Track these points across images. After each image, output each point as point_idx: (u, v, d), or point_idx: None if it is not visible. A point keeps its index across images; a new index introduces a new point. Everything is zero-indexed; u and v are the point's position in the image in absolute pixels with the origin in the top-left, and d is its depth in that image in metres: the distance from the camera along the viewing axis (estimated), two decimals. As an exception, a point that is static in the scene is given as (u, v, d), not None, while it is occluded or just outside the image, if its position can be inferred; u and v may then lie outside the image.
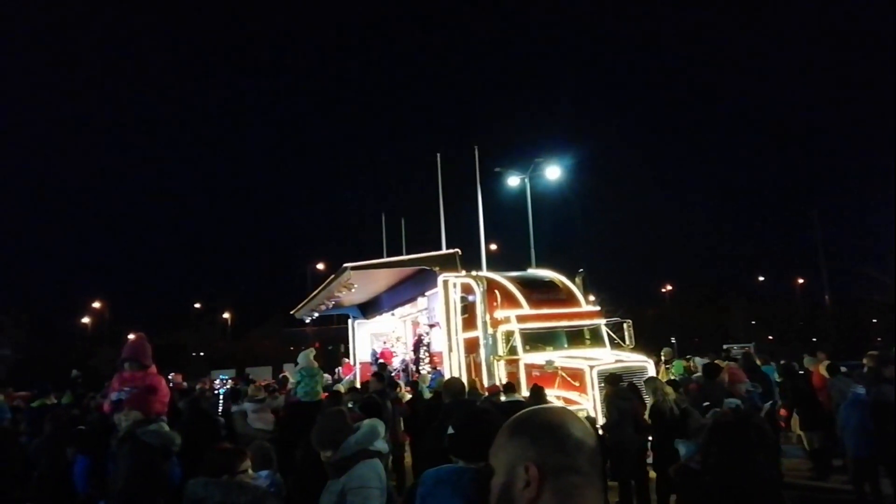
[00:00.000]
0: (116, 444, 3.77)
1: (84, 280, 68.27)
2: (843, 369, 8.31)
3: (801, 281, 40.74)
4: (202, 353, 36.68)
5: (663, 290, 43.25)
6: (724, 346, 18.73)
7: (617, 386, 6.84)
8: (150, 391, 4.25)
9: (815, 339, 25.99)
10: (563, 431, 1.27)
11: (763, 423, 4.87)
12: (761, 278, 41.98)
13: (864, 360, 7.81)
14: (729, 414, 4.54)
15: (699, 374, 7.90)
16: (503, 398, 7.12)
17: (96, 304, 39.39)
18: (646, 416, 6.17)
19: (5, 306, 31.03)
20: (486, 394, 7.54)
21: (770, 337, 31.51)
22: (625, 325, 10.42)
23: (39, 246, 72.88)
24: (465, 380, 10.33)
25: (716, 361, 9.61)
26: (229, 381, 12.29)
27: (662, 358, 10.62)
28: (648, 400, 6.36)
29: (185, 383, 12.54)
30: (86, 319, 39.36)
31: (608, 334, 10.26)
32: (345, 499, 2.53)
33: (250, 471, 2.79)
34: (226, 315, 43.02)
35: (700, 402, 6.19)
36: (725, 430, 4.25)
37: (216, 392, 10.85)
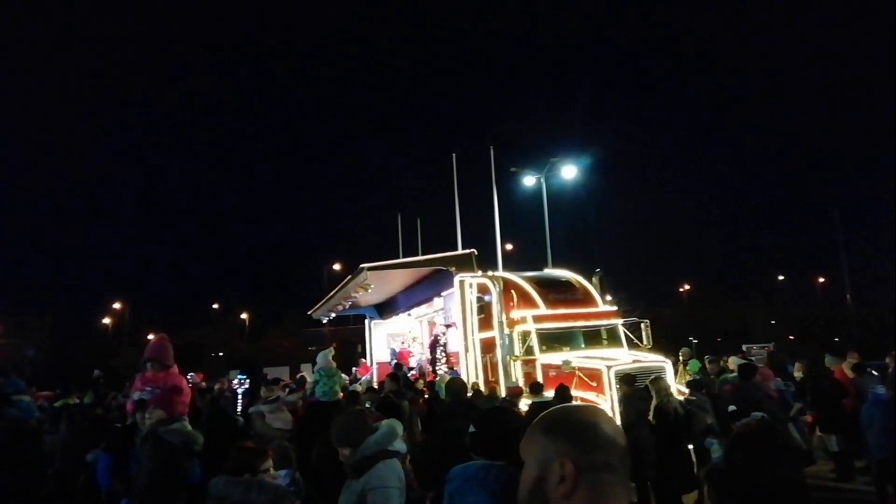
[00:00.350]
0: (140, 443, 3.83)
1: (104, 281, 69.16)
2: (868, 369, 8.20)
3: (821, 280, 40.18)
4: (220, 354, 37.03)
5: (681, 289, 42.88)
6: (744, 347, 18.53)
7: (633, 386, 6.81)
8: (174, 391, 4.33)
9: (836, 339, 25.63)
10: (598, 430, 1.31)
11: (787, 432, 4.86)
12: (781, 277, 41.47)
13: (888, 360, 7.70)
14: (753, 424, 4.56)
15: (734, 374, 7.84)
16: (525, 399, 7.11)
17: (117, 305, 39.94)
18: (650, 417, 6.17)
19: (28, 308, 31.59)
20: (505, 395, 7.54)
21: (791, 337, 31.10)
22: (642, 325, 10.36)
23: (60, 248, 73.96)
24: (481, 381, 10.37)
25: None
26: (247, 380, 12.42)
27: (681, 358, 10.54)
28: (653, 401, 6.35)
29: (203, 383, 12.67)
30: (106, 320, 39.93)
31: (626, 334, 10.21)
32: (365, 498, 2.56)
33: (272, 470, 2.83)
34: (244, 315, 43.40)
35: (735, 403, 6.15)
36: (749, 438, 4.28)
37: (235, 391, 10.95)
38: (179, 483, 3.62)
